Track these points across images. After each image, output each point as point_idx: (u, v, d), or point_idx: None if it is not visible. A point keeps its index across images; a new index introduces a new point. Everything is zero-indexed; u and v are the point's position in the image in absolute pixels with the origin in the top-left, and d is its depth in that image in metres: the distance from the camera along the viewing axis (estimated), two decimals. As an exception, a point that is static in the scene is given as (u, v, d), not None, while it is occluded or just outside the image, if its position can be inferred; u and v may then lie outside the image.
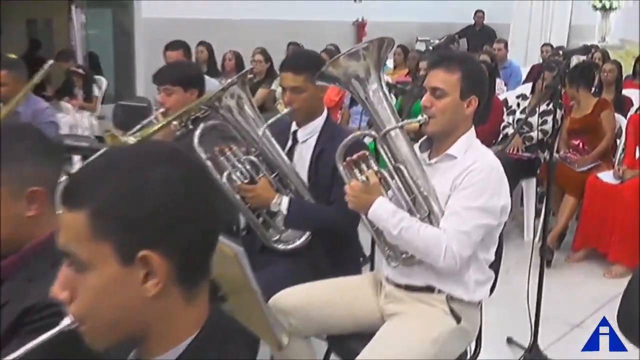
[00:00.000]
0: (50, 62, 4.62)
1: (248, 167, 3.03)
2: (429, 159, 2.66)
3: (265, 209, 3.06)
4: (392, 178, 2.59)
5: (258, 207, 3.06)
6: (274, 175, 3.08)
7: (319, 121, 3.13)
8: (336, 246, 3.08)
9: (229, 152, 3.02)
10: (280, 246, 3.10)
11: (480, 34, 13.03)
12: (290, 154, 3.14)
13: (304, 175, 3.10)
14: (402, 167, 2.58)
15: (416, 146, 2.71)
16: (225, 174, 3.01)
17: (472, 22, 13.42)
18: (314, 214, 3.04)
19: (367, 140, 2.90)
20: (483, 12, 13.32)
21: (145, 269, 1.07)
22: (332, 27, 11.79)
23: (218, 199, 1.17)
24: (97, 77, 8.81)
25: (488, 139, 5.91)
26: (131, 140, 3.19)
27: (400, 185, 2.59)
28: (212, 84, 5.85)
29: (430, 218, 2.55)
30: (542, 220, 3.93)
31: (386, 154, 2.60)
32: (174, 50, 5.64)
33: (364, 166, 2.62)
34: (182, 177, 1.10)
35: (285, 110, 3.06)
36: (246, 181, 3.01)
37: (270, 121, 3.01)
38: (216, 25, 10.26)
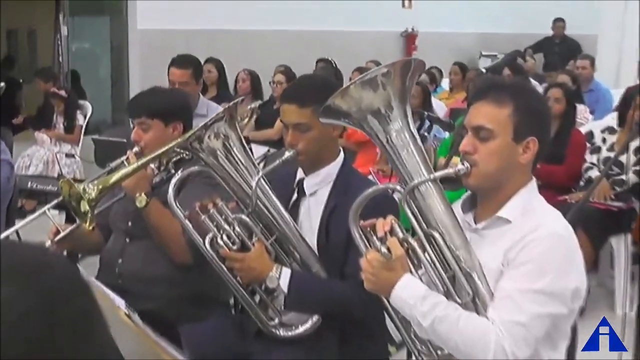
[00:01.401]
0: (1, 85, 4.52)
1: (238, 228, 2.93)
2: (474, 223, 2.52)
3: (261, 284, 2.94)
4: (424, 249, 2.46)
5: (251, 282, 2.96)
6: (272, 239, 2.97)
7: (333, 167, 3.05)
8: (353, 335, 2.98)
9: (213, 210, 2.93)
10: (281, 332, 2.99)
11: (560, 48, 12.88)
12: (294, 210, 3.05)
13: (312, 239, 3.00)
14: (436, 234, 2.44)
15: (457, 205, 2.56)
16: (207, 237, 2.92)
17: (550, 33, 13.22)
18: (324, 293, 2.93)
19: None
20: (564, 21, 13.15)
21: None
22: (374, 39, 11.77)
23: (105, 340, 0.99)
24: (81, 101, 8.80)
25: (565, 184, 5.73)
26: (90, 189, 3.08)
27: (434, 259, 2.44)
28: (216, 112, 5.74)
29: (474, 303, 2.40)
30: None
31: (415, 216, 2.46)
32: (182, 67, 5.36)
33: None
34: (30, 311, 0.95)
35: (288, 154, 2.96)
36: (235, 247, 2.91)
37: (267, 169, 2.94)
38: (228, 38, 10.26)
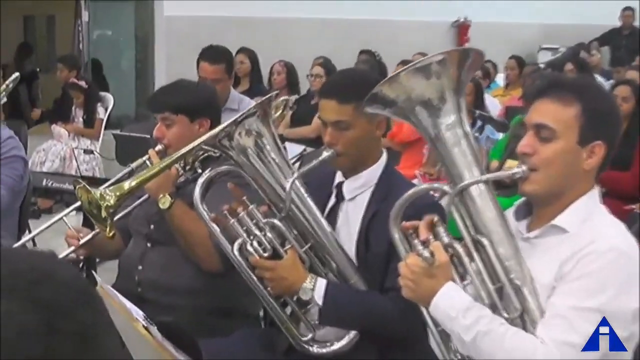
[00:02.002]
0: (15, 75, 4.57)
1: (270, 234, 2.92)
2: (527, 231, 2.50)
3: (293, 296, 2.94)
4: (470, 257, 2.44)
5: (282, 293, 2.95)
6: (306, 247, 2.97)
7: (375, 170, 3.04)
8: (394, 353, 2.97)
9: (243, 213, 2.92)
10: (315, 349, 2.98)
11: (628, 41, 12.73)
12: (332, 216, 3.05)
13: (350, 247, 3.00)
14: (485, 241, 2.43)
15: (509, 213, 2.55)
16: (236, 243, 2.92)
17: (618, 23, 13.08)
18: (362, 306, 2.91)
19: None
20: (633, 10, 12.99)
21: None
22: (421, 30, 11.74)
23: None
24: (102, 93, 8.85)
25: (632, 192, 5.65)
26: (108, 195, 3.08)
27: (481, 268, 2.43)
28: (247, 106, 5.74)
29: (523, 320, 2.39)
30: None
31: (463, 220, 2.46)
32: (214, 62, 5.31)
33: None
34: (29, 326, 0.98)
35: (326, 154, 2.96)
36: (266, 255, 2.90)
37: (303, 170, 2.95)
38: (262, 27, 10.27)
